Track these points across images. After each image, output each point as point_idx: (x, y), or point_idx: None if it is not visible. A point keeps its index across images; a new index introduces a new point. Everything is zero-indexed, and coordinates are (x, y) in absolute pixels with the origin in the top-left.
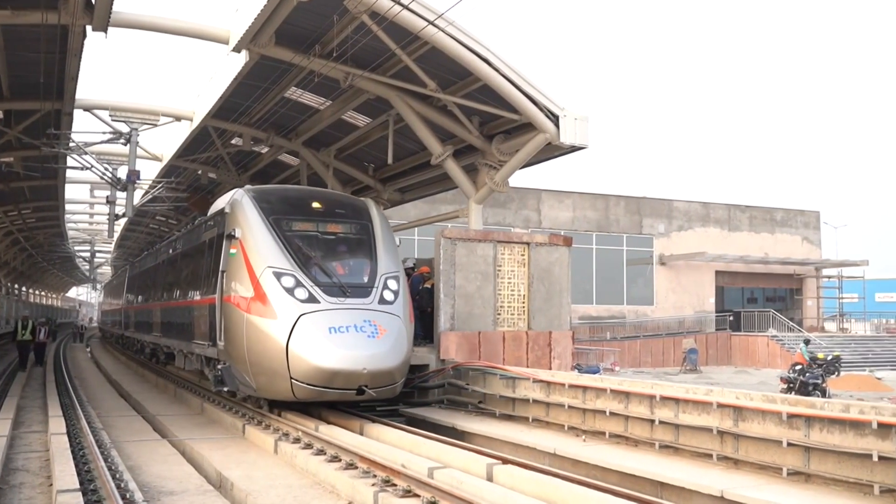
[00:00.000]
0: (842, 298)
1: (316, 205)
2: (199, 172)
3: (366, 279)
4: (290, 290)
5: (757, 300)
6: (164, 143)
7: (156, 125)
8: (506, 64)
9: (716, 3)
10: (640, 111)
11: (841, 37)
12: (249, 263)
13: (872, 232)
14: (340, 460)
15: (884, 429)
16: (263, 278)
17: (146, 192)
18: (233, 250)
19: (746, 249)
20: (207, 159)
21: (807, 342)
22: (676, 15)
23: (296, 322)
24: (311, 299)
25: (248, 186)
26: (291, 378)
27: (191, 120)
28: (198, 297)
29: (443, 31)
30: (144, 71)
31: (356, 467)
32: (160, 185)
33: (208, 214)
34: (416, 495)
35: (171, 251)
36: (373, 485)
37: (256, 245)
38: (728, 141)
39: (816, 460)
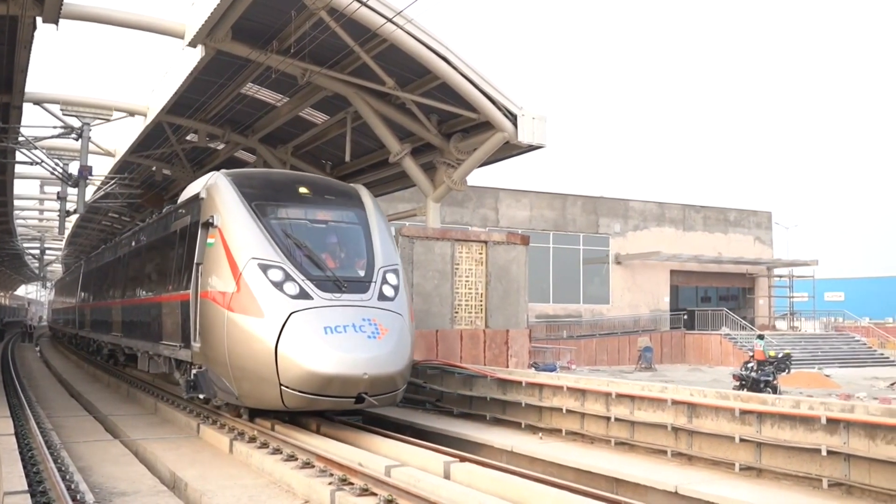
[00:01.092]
0: (792, 297)
1: (303, 190)
2: (154, 169)
3: (363, 273)
4: (278, 285)
5: (710, 299)
6: (117, 138)
7: (108, 120)
8: (464, 63)
9: (670, 4)
10: (597, 112)
11: (793, 39)
12: (230, 254)
13: (822, 233)
14: (297, 459)
15: (832, 424)
16: (247, 271)
17: (98, 189)
18: (210, 240)
19: (700, 249)
20: (162, 155)
21: (761, 337)
22: (632, 16)
23: (286, 321)
24: (303, 295)
25: (224, 170)
26: (281, 385)
27: (145, 115)
28: (167, 294)
29: (402, 28)
30: (97, 65)
31: (313, 466)
32: (113, 182)
33: (179, 201)
34: (374, 494)
35: (133, 243)
36: (329, 483)
37: (238, 233)
38: (684, 142)
39: (768, 455)
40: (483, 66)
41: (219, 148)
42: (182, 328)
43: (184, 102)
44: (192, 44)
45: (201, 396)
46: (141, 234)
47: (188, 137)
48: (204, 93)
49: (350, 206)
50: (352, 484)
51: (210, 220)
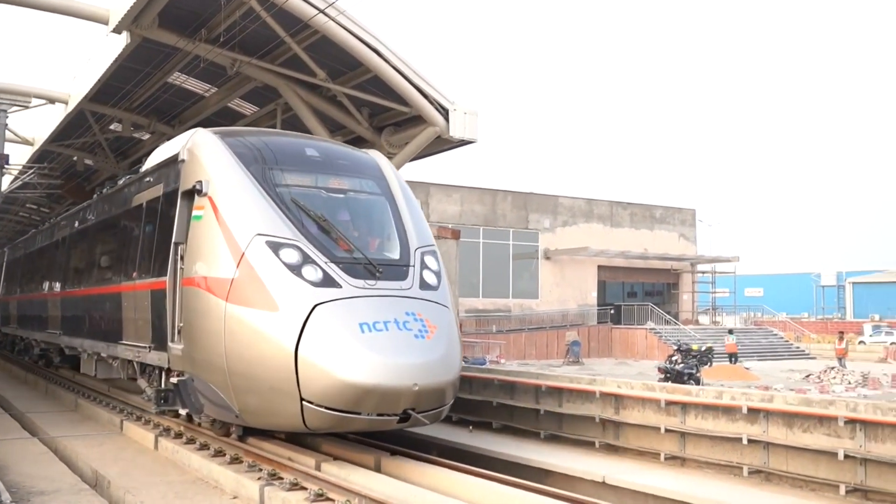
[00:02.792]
0: (714, 293)
1: (311, 153)
2: (75, 159)
3: (396, 255)
4: (294, 268)
5: (637, 294)
6: (36, 126)
7: (27, 107)
8: (397, 56)
9: (599, 3)
10: (528, 108)
11: (717, 39)
12: (228, 230)
13: (742, 230)
14: (225, 454)
15: (753, 413)
16: (253, 251)
17: (16, 178)
18: (197, 212)
19: (627, 245)
20: (84, 145)
21: (731, 332)
22: (559, 13)
23: (309, 315)
24: (328, 281)
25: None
26: (303, 399)
27: (66, 103)
28: (129, 282)
29: (333, 19)
30: (15, 50)
31: (241, 461)
32: (31, 171)
33: (145, 167)
34: (304, 488)
35: (77, 224)
36: (259, 479)
37: (238, 203)
38: (613, 139)
39: (692, 445)
40: (415, 59)
41: (144, 138)
42: (153, 325)
43: (107, 90)
44: (117, 30)
45: (182, 412)
46: (88, 212)
47: (112, 127)
48: (129, 81)
49: (368, 174)
50: (282, 479)
51: (197, 188)
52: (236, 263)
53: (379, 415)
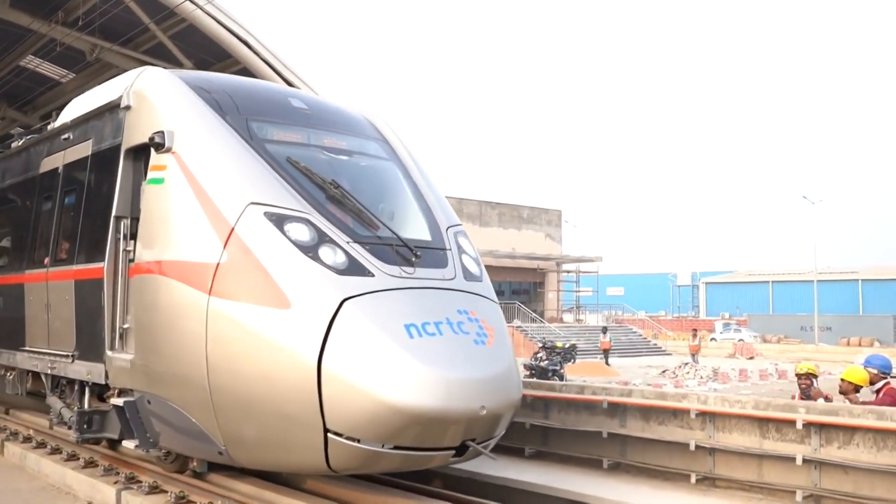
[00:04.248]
0: (578, 292)
1: (298, 104)
2: None
3: (427, 234)
4: (308, 250)
5: (504, 292)
6: None
7: None
8: (266, 48)
9: (478, 4)
10: (397, 105)
11: (582, 39)
12: (207, 196)
13: (605, 231)
14: (79, 458)
15: (612, 408)
16: (248, 226)
17: None
18: (156, 174)
19: (496, 244)
20: None
21: (605, 330)
22: (425, 11)
23: (336, 313)
24: (356, 268)
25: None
26: (328, 431)
27: None
28: (38, 270)
29: (201, 8)
30: None
31: (97, 465)
32: None
33: (61, 121)
34: (164, 491)
35: None
36: (115, 483)
37: (220, 161)
38: (482, 139)
39: (555, 440)
40: (285, 52)
41: None
42: (79, 326)
43: None
44: None
45: (128, 444)
46: None
47: None
48: None
49: (369, 135)
50: (140, 482)
51: (155, 142)
52: (223, 243)
53: (432, 449)
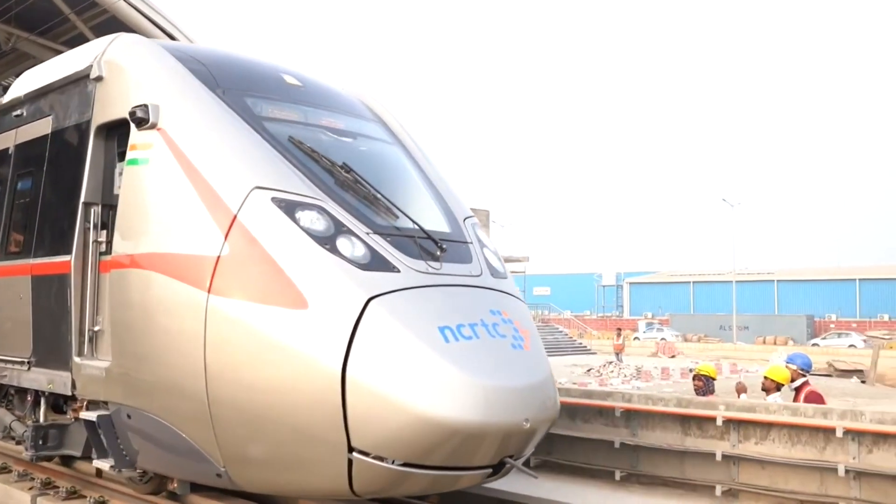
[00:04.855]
0: None
1: (292, 80)
2: None
3: (446, 226)
4: (325, 241)
5: None
6: None
7: None
8: (191, 41)
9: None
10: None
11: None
12: (202, 179)
13: (532, 231)
14: None
15: None
16: (253, 212)
17: None
18: (137, 154)
19: None
20: None
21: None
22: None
23: (361, 314)
24: (379, 262)
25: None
26: (353, 450)
27: None
28: None
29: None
30: None
31: (10, 471)
32: None
33: (10, 97)
34: (83, 496)
35: None
36: (31, 489)
37: (217, 139)
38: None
39: None
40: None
41: None
42: (37, 328)
43: None
44: None
45: (100, 464)
46: None
47: None
48: None
49: (367, 117)
50: (57, 487)
51: (137, 117)
52: (223, 233)
53: (468, 468)
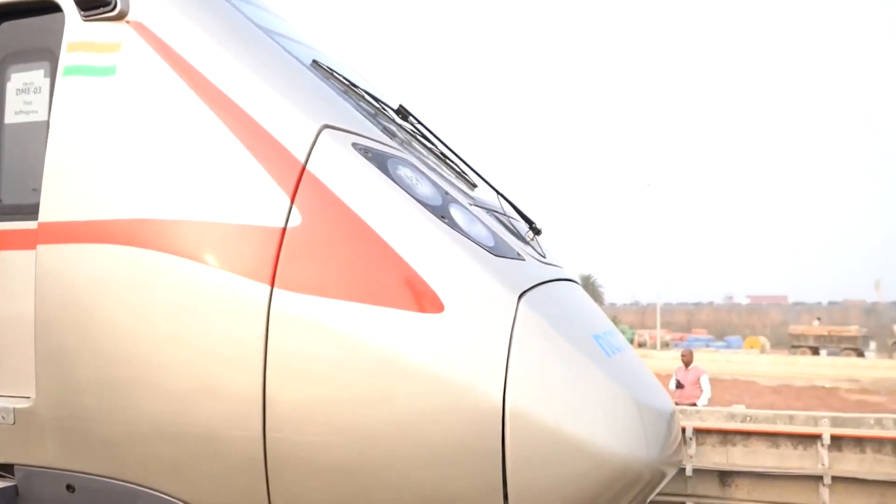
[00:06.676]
0: None
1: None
2: None
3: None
4: (438, 213)
5: None
6: None
7: None
8: None
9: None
10: None
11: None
12: (231, 103)
13: None
14: None
15: None
16: (329, 162)
17: None
18: (90, 60)
19: None
20: None
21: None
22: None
23: (514, 321)
24: (502, 246)
25: None
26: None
27: None
28: None
29: None
30: None
31: None
32: None
33: None
34: None
35: None
36: None
37: (241, 51)
38: None
39: None
40: None
41: None
42: None
43: None
44: None
45: None
46: None
47: None
48: None
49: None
50: None
51: (126, 14)
52: (288, 193)
53: None
